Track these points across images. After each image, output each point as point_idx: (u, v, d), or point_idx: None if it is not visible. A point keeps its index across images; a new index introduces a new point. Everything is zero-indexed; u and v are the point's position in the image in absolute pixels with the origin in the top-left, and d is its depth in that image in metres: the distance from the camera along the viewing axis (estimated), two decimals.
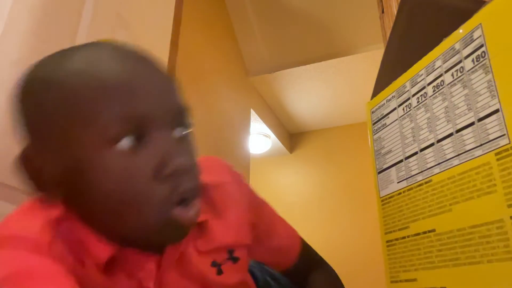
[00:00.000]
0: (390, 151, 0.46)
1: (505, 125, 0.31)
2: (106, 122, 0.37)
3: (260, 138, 3.32)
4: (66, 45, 0.89)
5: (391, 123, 0.47)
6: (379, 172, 0.49)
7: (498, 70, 0.32)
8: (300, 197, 3.40)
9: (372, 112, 0.53)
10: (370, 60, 2.62)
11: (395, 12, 1.21)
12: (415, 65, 0.44)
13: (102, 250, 0.40)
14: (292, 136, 3.79)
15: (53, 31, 0.85)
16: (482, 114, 0.33)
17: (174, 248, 0.44)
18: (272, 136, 3.34)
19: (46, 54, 0.84)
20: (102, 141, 0.37)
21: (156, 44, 1.36)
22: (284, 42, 2.62)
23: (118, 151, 0.37)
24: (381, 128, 0.49)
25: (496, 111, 0.32)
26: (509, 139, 0.30)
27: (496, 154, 0.31)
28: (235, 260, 0.50)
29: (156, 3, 1.38)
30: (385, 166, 0.47)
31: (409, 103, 0.44)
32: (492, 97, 0.33)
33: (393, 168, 0.45)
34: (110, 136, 0.37)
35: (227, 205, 0.51)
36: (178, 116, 0.44)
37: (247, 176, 2.56)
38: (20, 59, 0.75)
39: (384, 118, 0.49)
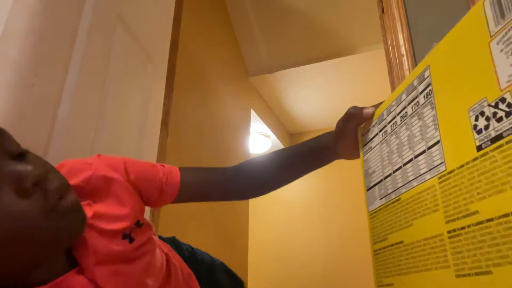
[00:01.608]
0: (374, 171, 0.52)
1: (444, 155, 0.38)
2: None
3: (260, 138, 3.32)
4: (66, 45, 0.89)
5: (375, 146, 0.53)
6: (367, 190, 0.54)
7: (439, 107, 0.39)
8: (300, 197, 3.40)
9: (362, 136, 0.58)
10: (370, 60, 2.62)
11: (395, 12, 1.21)
12: (390, 95, 0.51)
13: None
14: (292, 136, 3.79)
15: (53, 31, 0.85)
16: (430, 144, 0.40)
17: (83, 248, 0.49)
18: (272, 136, 3.34)
19: (46, 54, 0.85)
20: None
21: (156, 44, 1.36)
22: (284, 42, 2.62)
23: None
24: (368, 150, 0.55)
25: (438, 142, 0.39)
26: (445, 166, 0.37)
27: (439, 178, 0.38)
28: (140, 225, 0.56)
29: (156, 3, 1.38)
30: (371, 184, 0.53)
31: (386, 130, 0.50)
32: (435, 130, 0.39)
33: (376, 187, 0.52)
34: None
35: (104, 188, 0.54)
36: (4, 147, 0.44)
37: None
38: (20, 59, 0.75)
39: (370, 142, 0.55)
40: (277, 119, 3.49)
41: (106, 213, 0.53)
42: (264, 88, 3.03)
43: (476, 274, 0.32)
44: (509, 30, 0.30)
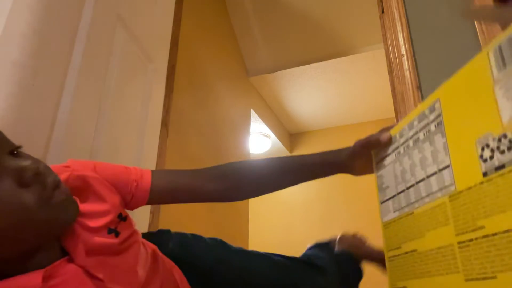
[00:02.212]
0: (388, 187, 0.58)
1: (453, 177, 0.44)
2: None
3: (260, 138, 3.32)
4: (66, 45, 0.89)
5: (388, 164, 0.59)
6: (381, 203, 0.60)
7: (450, 135, 0.45)
8: (300, 197, 3.40)
9: (375, 154, 0.64)
10: (370, 60, 2.62)
11: (395, 12, 1.21)
12: (403, 119, 0.57)
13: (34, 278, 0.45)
14: (292, 136, 3.79)
15: (53, 31, 0.85)
16: (441, 166, 0.46)
17: (72, 239, 0.51)
18: (272, 136, 3.34)
19: (46, 54, 0.85)
20: None
21: (156, 44, 1.36)
22: (284, 42, 2.62)
23: None
24: (381, 167, 0.61)
25: (448, 166, 0.45)
26: (455, 187, 0.43)
27: (449, 197, 0.44)
28: (123, 218, 0.59)
29: (156, 3, 1.38)
30: (385, 198, 0.59)
31: (399, 151, 0.56)
32: (446, 155, 0.46)
33: (390, 201, 0.57)
34: None
35: (83, 187, 0.57)
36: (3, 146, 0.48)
37: None
38: (20, 59, 0.75)
39: (383, 160, 0.61)
40: (277, 119, 3.49)
41: (89, 211, 0.55)
42: (264, 88, 3.03)
43: (483, 278, 0.38)
44: (509, 78, 0.37)
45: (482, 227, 0.38)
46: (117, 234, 0.56)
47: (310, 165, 0.72)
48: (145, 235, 0.73)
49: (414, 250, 0.50)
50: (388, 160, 0.59)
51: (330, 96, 3.14)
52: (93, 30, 0.98)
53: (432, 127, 0.49)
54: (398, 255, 0.54)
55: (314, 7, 2.40)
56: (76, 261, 0.51)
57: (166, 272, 0.67)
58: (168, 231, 0.81)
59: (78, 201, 0.54)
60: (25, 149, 0.50)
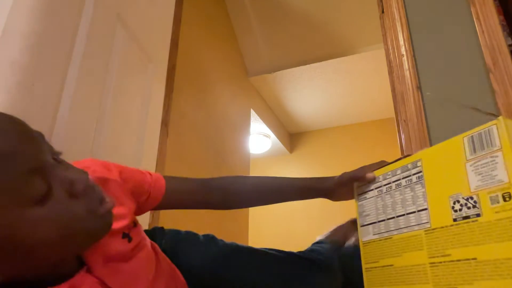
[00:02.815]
0: (368, 215, 0.72)
1: (430, 217, 0.59)
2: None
3: (260, 138, 3.32)
4: (66, 45, 0.89)
5: (369, 198, 0.73)
6: (361, 226, 0.73)
7: (428, 187, 0.61)
8: None
9: (357, 187, 0.77)
10: (370, 60, 2.62)
11: (395, 12, 1.21)
12: (386, 167, 0.71)
13: None
14: (292, 136, 3.79)
15: (53, 31, 0.85)
16: (419, 208, 0.61)
17: (92, 248, 0.51)
18: (272, 136, 3.34)
19: (46, 54, 0.85)
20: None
21: (156, 44, 1.36)
22: (284, 42, 2.62)
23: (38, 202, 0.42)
24: (363, 199, 0.74)
25: (426, 209, 0.60)
26: (430, 224, 0.59)
27: (425, 231, 0.60)
28: (135, 224, 0.62)
29: (156, 3, 1.38)
30: (365, 223, 0.73)
31: (381, 189, 0.70)
32: (424, 201, 0.61)
33: (370, 226, 0.71)
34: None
35: (107, 191, 0.57)
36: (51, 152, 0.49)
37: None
38: (20, 59, 0.76)
39: (365, 193, 0.74)
40: (277, 119, 3.49)
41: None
42: (264, 88, 3.03)
43: None
44: (478, 160, 0.53)
45: (449, 255, 0.55)
46: (130, 240, 0.57)
47: (298, 187, 0.81)
48: None
49: (391, 265, 0.64)
50: (370, 194, 0.73)
51: (330, 96, 3.15)
52: (93, 30, 0.98)
53: (414, 178, 0.64)
54: (376, 267, 0.67)
55: (314, 7, 2.40)
56: (94, 272, 0.51)
57: (170, 271, 0.67)
58: (161, 229, 0.81)
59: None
60: None
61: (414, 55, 1.11)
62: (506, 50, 0.98)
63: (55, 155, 0.48)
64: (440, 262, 0.55)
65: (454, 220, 0.55)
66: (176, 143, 1.67)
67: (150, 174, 0.69)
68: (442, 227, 0.56)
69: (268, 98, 3.17)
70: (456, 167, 0.56)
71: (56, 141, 0.82)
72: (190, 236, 0.83)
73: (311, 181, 0.81)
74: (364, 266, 0.71)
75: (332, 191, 0.80)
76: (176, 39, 1.63)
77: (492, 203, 0.51)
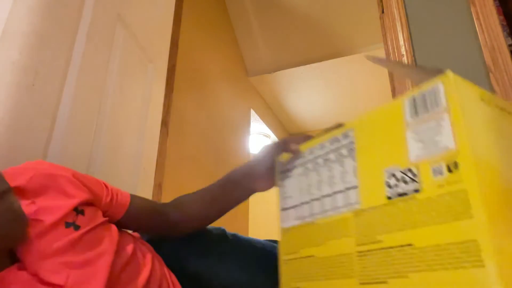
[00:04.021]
0: (290, 197, 0.61)
1: (359, 196, 0.49)
2: None
3: (260, 138, 3.32)
4: (66, 45, 0.89)
5: (293, 176, 0.62)
6: (281, 210, 0.63)
7: (360, 161, 0.51)
8: None
9: (279, 163, 0.66)
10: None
11: (395, 12, 1.21)
12: (313, 139, 0.61)
13: None
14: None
15: (53, 31, 0.85)
16: (348, 186, 0.51)
17: (24, 245, 0.50)
18: (272, 136, 3.34)
19: (46, 54, 0.85)
20: None
21: (156, 44, 1.36)
22: (284, 42, 2.62)
23: None
24: (285, 178, 0.63)
25: (356, 186, 0.50)
26: (360, 204, 0.49)
27: (354, 212, 0.49)
28: (82, 212, 0.57)
29: (156, 3, 1.38)
30: (286, 206, 0.62)
31: (307, 166, 0.60)
32: (354, 177, 0.51)
33: (292, 209, 0.60)
34: None
35: (48, 184, 0.56)
36: None
37: None
38: (20, 59, 0.76)
39: (289, 171, 0.63)
40: (277, 119, 3.49)
41: (49, 206, 0.54)
42: (264, 88, 3.03)
43: (376, 283, 0.44)
44: (420, 125, 0.44)
45: (380, 241, 0.45)
46: (76, 227, 0.54)
47: (223, 181, 0.75)
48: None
49: (312, 256, 0.54)
50: (293, 172, 0.62)
51: (330, 96, 3.14)
52: (93, 30, 0.98)
53: (344, 151, 0.54)
54: (294, 258, 0.57)
55: (314, 7, 2.40)
56: (29, 269, 0.49)
57: (163, 271, 0.67)
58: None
59: (35, 201, 0.53)
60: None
61: (414, 55, 1.11)
62: (506, 50, 0.98)
63: None
64: (369, 251, 0.45)
65: (388, 198, 0.45)
66: (176, 143, 1.67)
67: (113, 188, 0.66)
68: (374, 207, 0.47)
69: (268, 98, 3.17)
70: (393, 135, 0.47)
71: (56, 141, 0.82)
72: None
73: (225, 176, 0.75)
74: (281, 257, 0.60)
75: (252, 168, 0.70)
76: (176, 39, 1.63)
77: (434, 175, 0.41)
